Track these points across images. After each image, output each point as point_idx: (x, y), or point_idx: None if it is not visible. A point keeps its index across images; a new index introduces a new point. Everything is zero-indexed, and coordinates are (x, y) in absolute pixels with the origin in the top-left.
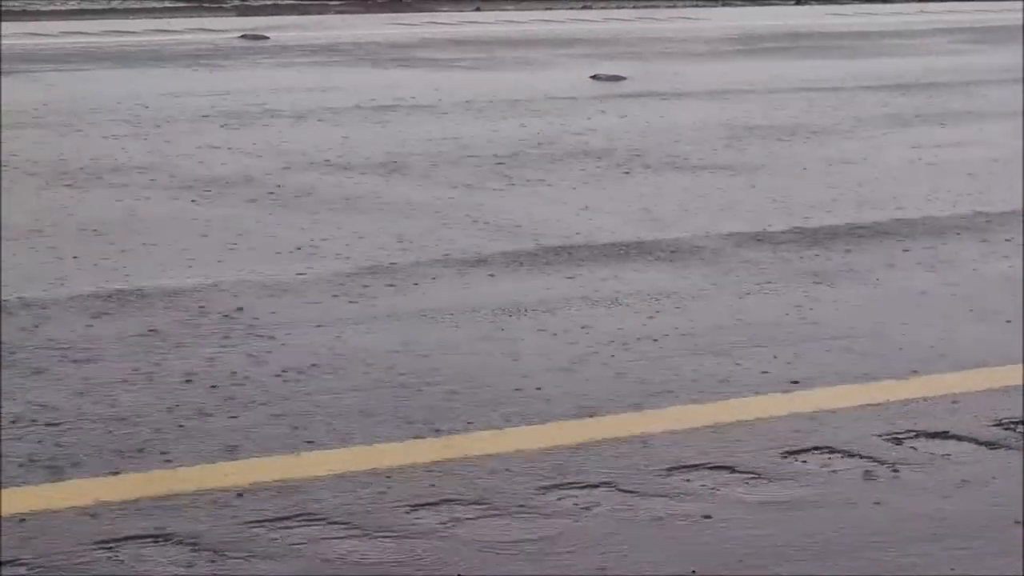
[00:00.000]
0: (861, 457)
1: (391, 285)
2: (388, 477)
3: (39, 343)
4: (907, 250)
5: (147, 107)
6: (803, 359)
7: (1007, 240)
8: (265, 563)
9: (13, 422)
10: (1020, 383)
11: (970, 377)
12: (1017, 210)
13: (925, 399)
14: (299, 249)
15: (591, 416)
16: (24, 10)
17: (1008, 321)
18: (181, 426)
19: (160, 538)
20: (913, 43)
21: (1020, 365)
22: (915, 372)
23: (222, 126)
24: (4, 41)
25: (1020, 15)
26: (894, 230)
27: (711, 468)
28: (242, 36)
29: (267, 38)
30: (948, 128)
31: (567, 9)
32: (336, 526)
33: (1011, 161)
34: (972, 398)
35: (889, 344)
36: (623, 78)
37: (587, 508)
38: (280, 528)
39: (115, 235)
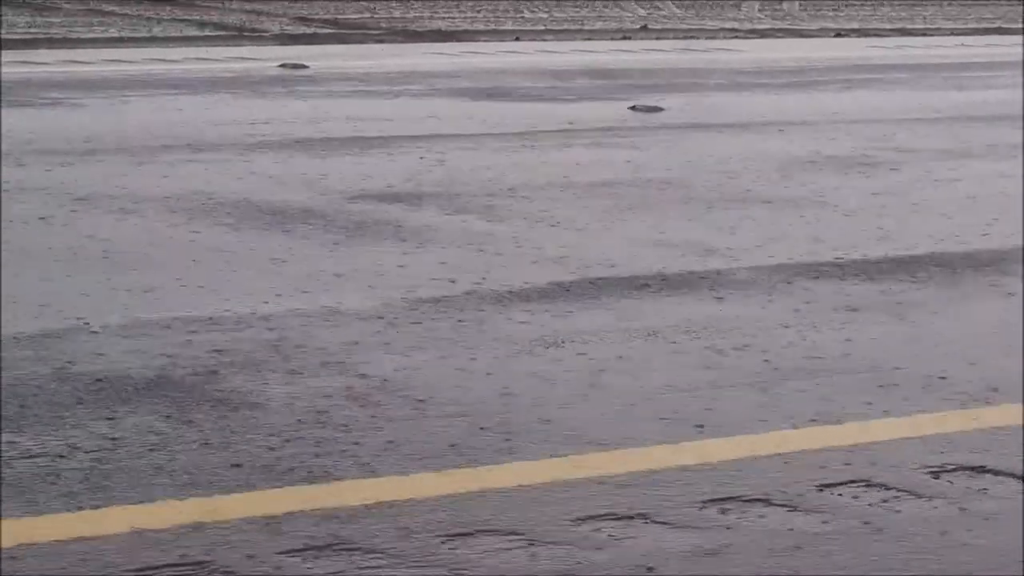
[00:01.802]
0: (898, 490)
1: (430, 315)
2: (422, 507)
3: (82, 371)
4: (953, 284)
5: (188, 136)
6: (841, 392)
7: None
8: None
9: (51, 450)
10: None
11: (1008, 412)
12: None
13: (963, 433)
14: (339, 278)
15: (625, 448)
16: (65, 38)
17: None
18: (212, 456)
19: (197, 566)
20: (956, 76)
21: None
22: (954, 406)
23: (262, 155)
24: (46, 68)
25: None
26: (941, 263)
27: (746, 501)
28: (281, 65)
29: (307, 67)
30: (1004, 162)
31: (606, 40)
32: (371, 555)
33: None
34: (1010, 433)
35: (928, 378)
36: (662, 109)
37: (621, 540)
38: (316, 558)
39: (157, 262)
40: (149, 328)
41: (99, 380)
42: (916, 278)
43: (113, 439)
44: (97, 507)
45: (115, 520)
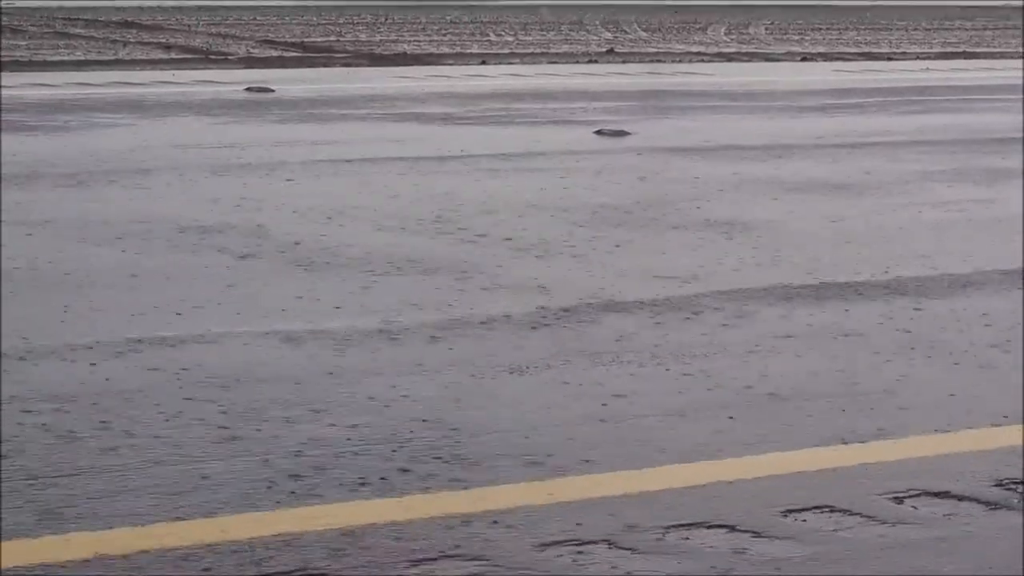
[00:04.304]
0: (862, 516)
1: (395, 341)
2: (386, 532)
3: (50, 393)
4: (918, 308)
5: (153, 159)
6: (806, 417)
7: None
8: None
9: (20, 474)
10: (1021, 443)
11: (972, 436)
12: None
13: (927, 458)
14: (299, 303)
15: (589, 473)
16: (31, 60)
17: (1017, 379)
18: (175, 480)
19: None
20: (922, 100)
21: (1021, 425)
22: (917, 431)
23: (226, 178)
24: (11, 91)
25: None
26: (905, 287)
27: (710, 527)
28: (247, 89)
29: (272, 91)
30: (975, 187)
31: (572, 64)
32: None
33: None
34: (974, 457)
35: (892, 403)
36: (627, 133)
37: (584, 566)
38: None
39: (111, 285)
40: (104, 349)
41: (58, 400)
42: (882, 302)
43: (76, 464)
44: (58, 533)
45: (77, 546)
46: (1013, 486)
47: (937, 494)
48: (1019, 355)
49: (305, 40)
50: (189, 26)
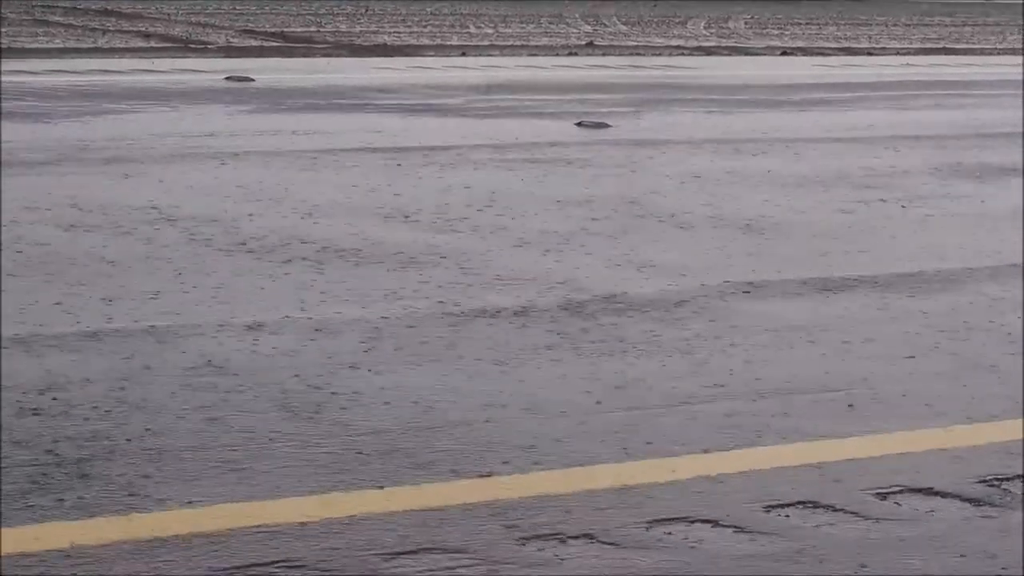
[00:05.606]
0: (845, 512)
1: (376, 337)
2: (367, 525)
3: (25, 381)
4: (903, 303)
5: (132, 147)
6: (790, 412)
7: (1011, 294)
8: None
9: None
10: (1005, 440)
11: (956, 433)
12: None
13: (911, 454)
14: (285, 299)
15: (574, 467)
16: (10, 47)
17: (1003, 376)
18: (152, 471)
19: None
20: (903, 95)
21: (1007, 422)
22: (902, 427)
23: (206, 167)
24: None
25: (1003, 70)
26: (890, 282)
27: (693, 521)
28: (227, 78)
29: (252, 80)
30: (951, 181)
31: (552, 56)
32: (316, 572)
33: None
34: (958, 454)
35: (876, 398)
36: (608, 126)
37: (565, 560)
38: None
39: (116, 275)
40: (82, 335)
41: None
42: (865, 298)
43: (54, 452)
44: (35, 522)
45: (54, 536)
46: (996, 483)
47: (921, 490)
48: (1007, 351)
49: (285, 30)
50: (169, 15)
